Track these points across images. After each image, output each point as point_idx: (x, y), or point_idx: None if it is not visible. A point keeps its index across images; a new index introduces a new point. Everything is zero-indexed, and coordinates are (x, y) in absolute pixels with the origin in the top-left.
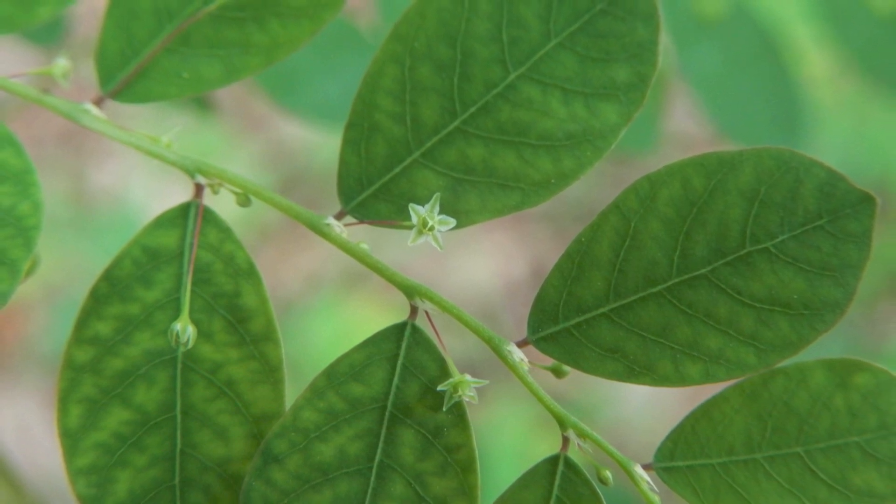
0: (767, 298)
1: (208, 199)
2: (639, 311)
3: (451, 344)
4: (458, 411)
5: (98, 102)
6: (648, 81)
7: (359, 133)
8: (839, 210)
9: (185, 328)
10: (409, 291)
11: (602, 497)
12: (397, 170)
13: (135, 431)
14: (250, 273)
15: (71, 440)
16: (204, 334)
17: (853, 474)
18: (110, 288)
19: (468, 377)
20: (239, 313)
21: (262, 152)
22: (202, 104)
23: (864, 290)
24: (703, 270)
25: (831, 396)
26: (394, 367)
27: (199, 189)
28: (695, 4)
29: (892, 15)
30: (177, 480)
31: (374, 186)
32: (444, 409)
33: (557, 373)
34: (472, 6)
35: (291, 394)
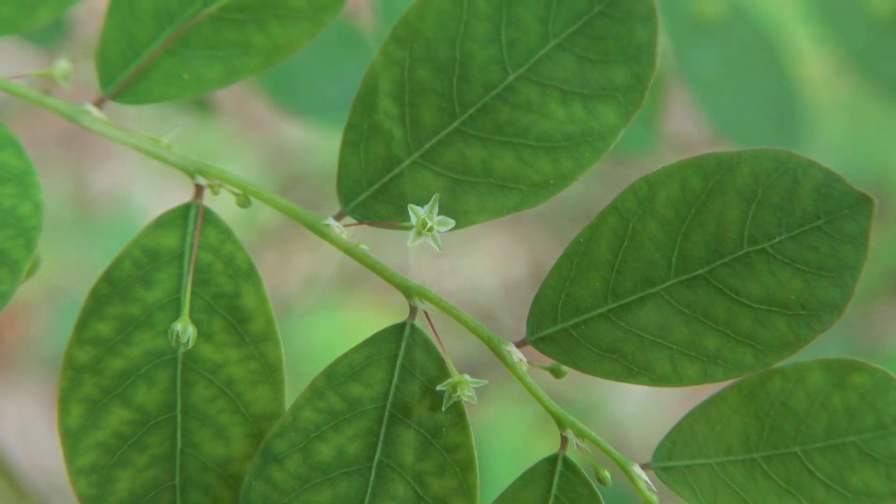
0: (765, 299)
1: (208, 200)
2: (637, 312)
3: (451, 344)
4: (458, 411)
5: (98, 104)
6: (647, 83)
7: (358, 134)
8: (836, 211)
9: (185, 328)
10: (409, 292)
11: (600, 496)
12: (396, 171)
13: (135, 431)
14: (250, 273)
15: (72, 440)
16: (204, 334)
17: (850, 474)
18: (111, 288)
19: (467, 377)
20: (239, 314)
21: (262, 153)
22: (202, 105)
23: (861, 291)
24: (700, 271)
25: (829, 396)
26: (393, 368)
27: (199, 190)
28: (693, 6)
29: (890, 16)
30: (177, 480)
31: (373, 187)
32: (443, 409)
33: (556, 373)
34: (470, 8)
35: (291, 394)
